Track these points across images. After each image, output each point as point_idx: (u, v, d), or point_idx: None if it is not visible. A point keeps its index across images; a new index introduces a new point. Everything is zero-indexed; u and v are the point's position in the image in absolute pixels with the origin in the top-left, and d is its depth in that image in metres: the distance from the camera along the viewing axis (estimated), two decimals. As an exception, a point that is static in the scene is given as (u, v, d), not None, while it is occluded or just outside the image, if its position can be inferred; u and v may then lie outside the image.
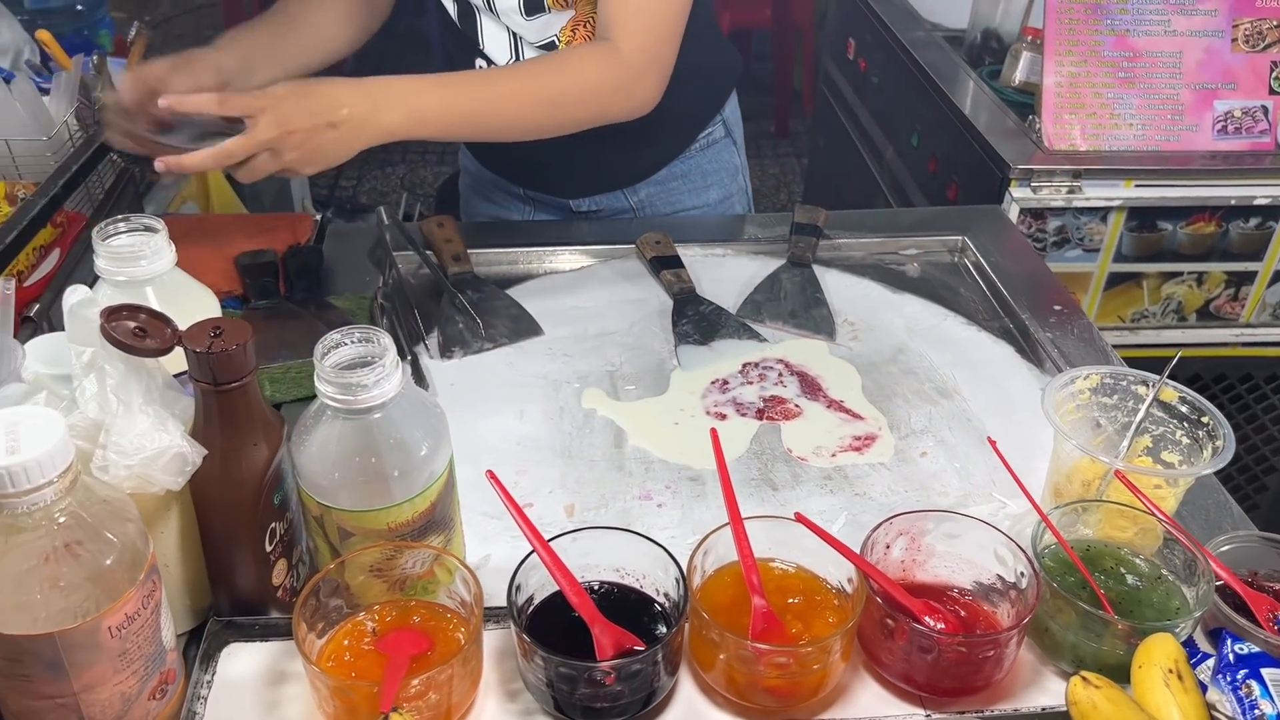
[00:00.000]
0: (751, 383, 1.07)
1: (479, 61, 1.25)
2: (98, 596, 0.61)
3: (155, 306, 0.71)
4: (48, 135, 1.32)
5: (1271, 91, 1.57)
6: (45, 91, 1.42)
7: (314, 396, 0.72)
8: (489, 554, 0.86)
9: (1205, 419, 0.85)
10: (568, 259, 1.29)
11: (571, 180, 1.35)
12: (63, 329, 0.73)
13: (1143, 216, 1.57)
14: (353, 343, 0.71)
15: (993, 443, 0.86)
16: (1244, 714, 0.66)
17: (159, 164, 1.01)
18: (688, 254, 1.26)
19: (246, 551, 0.74)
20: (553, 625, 0.71)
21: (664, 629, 0.73)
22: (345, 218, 3.16)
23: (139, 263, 0.78)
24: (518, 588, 0.71)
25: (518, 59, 1.21)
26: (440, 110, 1.08)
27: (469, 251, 1.23)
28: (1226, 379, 1.74)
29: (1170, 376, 0.87)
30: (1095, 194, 1.54)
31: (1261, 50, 1.57)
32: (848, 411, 1.04)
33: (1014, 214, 1.53)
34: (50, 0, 1.85)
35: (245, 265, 1.16)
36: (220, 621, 0.76)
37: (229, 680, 0.74)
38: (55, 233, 1.25)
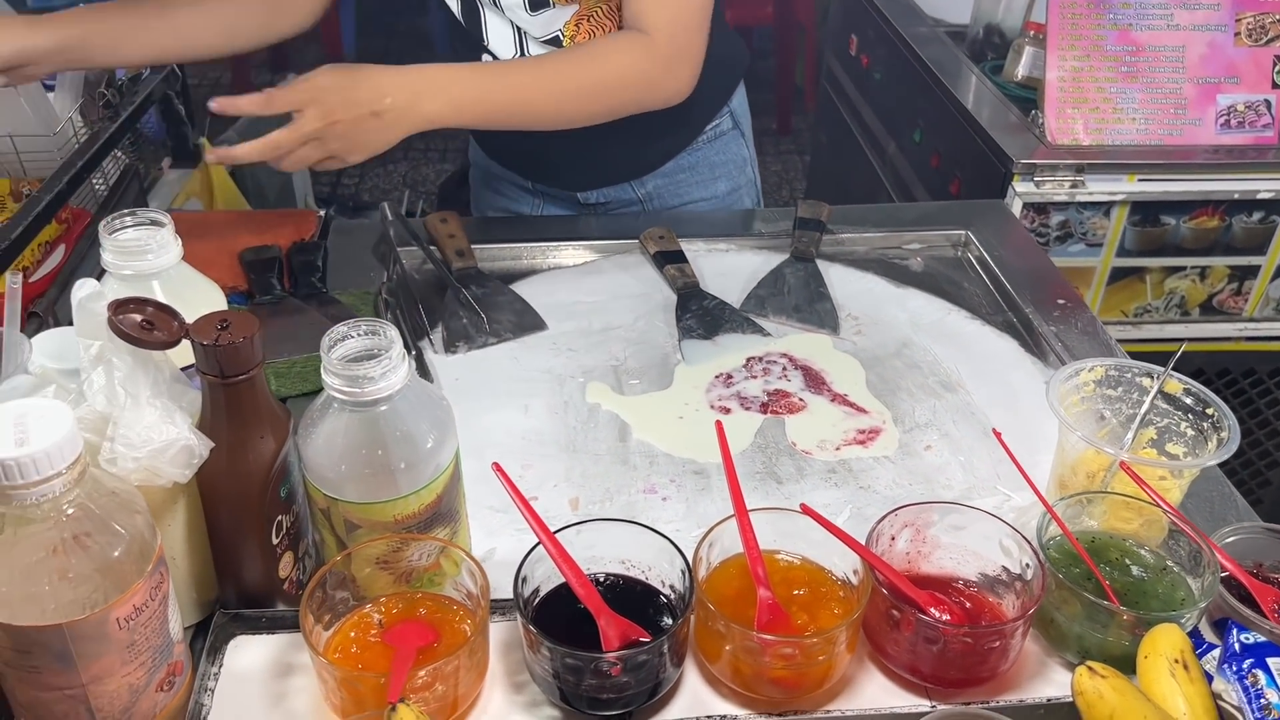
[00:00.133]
0: (755, 377, 1.08)
1: (484, 57, 1.25)
2: (106, 588, 0.62)
3: (162, 300, 0.71)
4: (52, 131, 1.33)
5: (1274, 85, 1.57)
6: (50, 88, 1.42)
7: (318, 392, 0.72)
8: (494, 547, 0.86)
9: (1210, 411, 0.85)
10: (572, 254, 1.29)
11: (578, 173, 1.35)
12: (68, 324, 0.73)
13: (1146, 211, 1.57)
14: (359, 335, 0.71)
15: (998, 434, 0.86)
16: (1250, 703, 0.66)
17: (210, 155, 1.04)
18: (691, 248, 1.26)
19: (253, 544, 0.74)
20: (558, 617, 0.72)
21: (669, 620, 0.73)
22: (347, 215, 3.16)
23: (146, 256, 0.78)
24: (523, 579, 0.72)
25: (522, 54, 1.21)
26: (478, 99, 1.10)
27: (473, 247, 1.23)
28: (1230, 373, 1.74)
29: (1174, 370, 0.87)
30: (1098, 188, 1.54)
31: (1264, 44, 1.57)
32: (852, 405, 1.04)
33: (1017, 208, 1.53)
34: (53, 0, 1.85)
35: (250, 261, 1.16)
36: (227, 614, 0.77)
37: (236, 672, 0.74)
38: (60, 229, 1.25)
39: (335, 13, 4.38)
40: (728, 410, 1.03)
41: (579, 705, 0.71)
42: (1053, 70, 1.56)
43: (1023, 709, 0.73)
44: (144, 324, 0.67)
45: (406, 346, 1.07)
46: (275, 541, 0.75)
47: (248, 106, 1.02)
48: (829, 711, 0.73)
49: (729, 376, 1.08)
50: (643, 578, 0.76)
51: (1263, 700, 0.66)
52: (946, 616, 0.73)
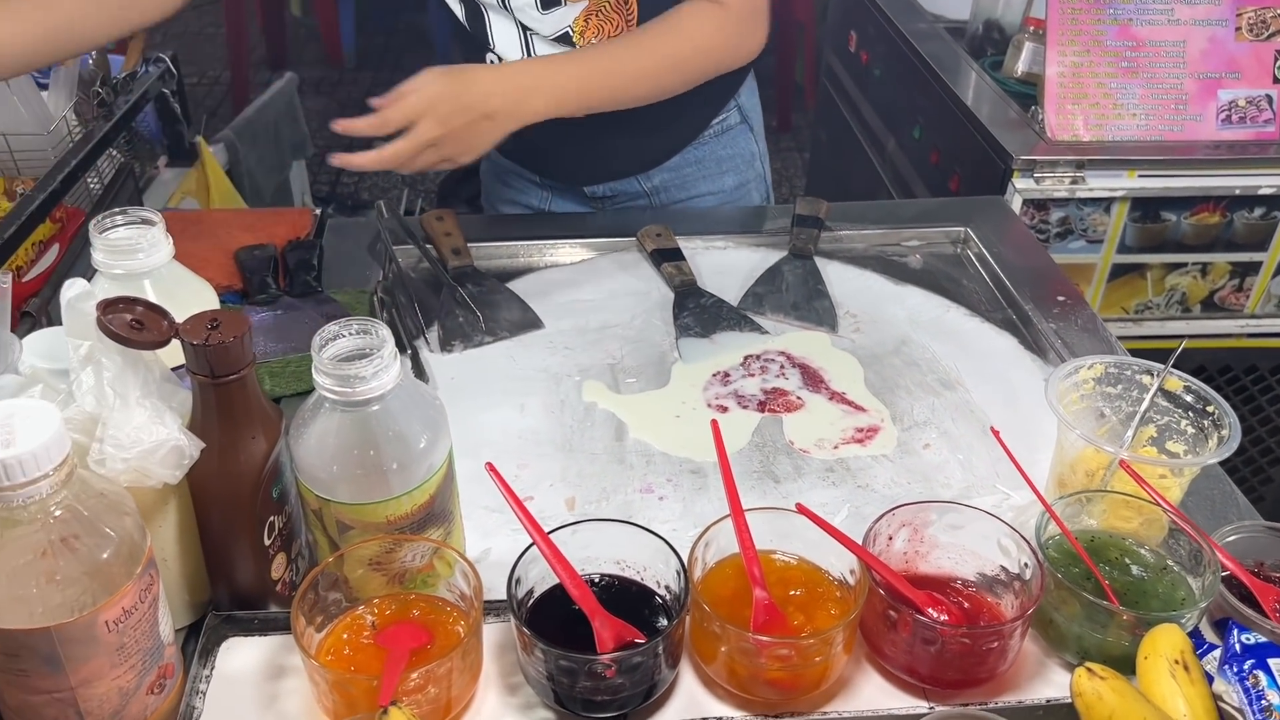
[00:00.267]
0: (753, 375, 1.07)
1: (489, 58, 1.25)
2: (94, 590, 0.61)
3: (153, 299, 0.71)
4: (46, 130, 1.32)
5: (1276, 80, 1.56)
6: (43, 87, 1.41)
7: (313, 391, 0.71)
8: (489, 547, 0.85)
9: (1211, 408, 0.85)
10: (568, 252, 1.28)
11: (585, 167, 1.35)
12: (61, 324, 0.73)
13: (1146, 207, 1.56)
14: (350, 334, 0.71)
15: (996, 433, 0.86)
16: (1251, 704, 0.66)
17: (335, 160, 1.06)
18: (689, 246, 1.26)
19: (245, 545, 0.74)
20: (553, 618, 0.71)
21: (665, 621, 0.72)
22: (346, 214, 3.16)
23: (136, 255, 0.78)
24: (517, 580, 0.71)
25: (529, 55, 1.22)
26: (579, 89, 1.13)
27: (469, 245, 1.23)
28: (1231, 370, 1.73)
29: (1174, 367, 0.87)
30: (1098, 184, 1.53)
31: (1265, 39, 1.56)
32: (850, 403, 1.03)
33: (1017, 205, 1.52)
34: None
35: (244, 260, 1.16)
36: (219, 616, 0.76)
37: (228, 674, 0.73)
38: (54, 228, 1.25)
39: (335, 11, 4.38)
40: (725, 409, 1.02)
41: (573, 708, 0.70)
42: (1053, 66, 1.55)
43: (1021, 710, 0.73)
44: (133, 324, 0.67)
45: (402, 345, 1.07)
46: (267, 543, 0.74)
47: (366, 129, 1.06)
48: (826, 713, 0.72)
49: (726, 375, 1.07)
50: (638, 578, 0.75)
51: (1264, 702, 0.65)
52: (944, 617, 0.73)
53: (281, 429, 0.73)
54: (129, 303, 0.68)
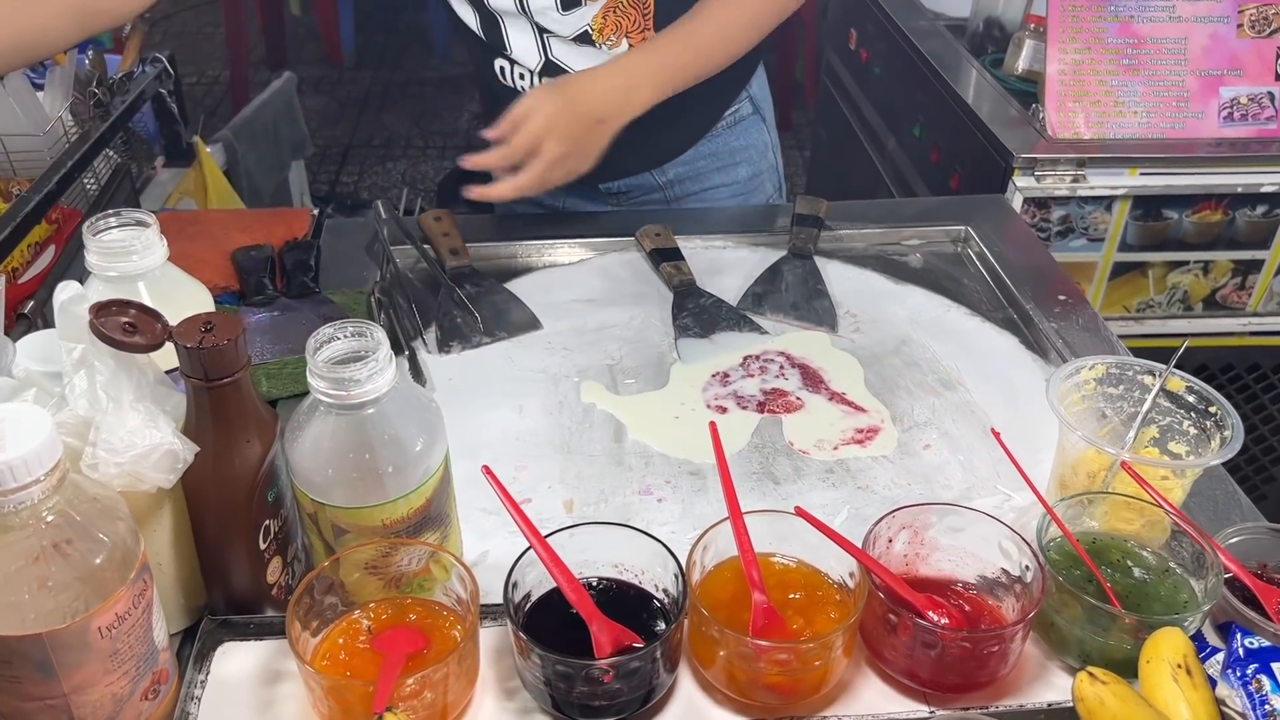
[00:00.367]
0: (752, 375, 1.06)
1: (503, 64, 1.26)
2: (87, 596, 0.61)
3: (147, 302, 0.70)
4: (42, 131, 1.32)
5: (1278, 78, 1.56)
6: (39, 87, 1.41)
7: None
8: (487, 550, 0.85)
9: (1213, 409, 0.84)
10: (567, 252, 1.28)
11: (602, 165, 1.35)
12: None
13: (1148, 205, 1.55)
14: (345, 337, 0.70)
15: (996, 434, 0.85)
16: (1254, 709, 0.65)
17: (472, 193, 1.11)
18: (688, 246, 1.25)
19: (240, 549, 0.73)
20: (550, 622, 0.70)
21: (663, 625, 0.72)
22: (346, 214, 3.15)
23: (130, 258, 0.77)
24: (514, 584, 0.71)
25: (546, 58, 1.23)
26: (675, 72, 1.16)
27: (467, 245, 1.22)
28: (1233, 369, 1.72)
29: (1176, 366, 0.86)
30: (1099, 183, 1.53)
31: (1268, 36, 1.55)
32: (850, 404, 1.03)
33: (1018, 203, 1.51)
34: None
35: (241, 261, 1.15)
36: (214, 620, 0.76)
37: (223, 680, 0.73)
38: (50, 229, 1.24)
39: (334, 10, 4.38)
40: (724, 410, 1.02)
41: (571, 713, 0.70)
42: (1053, 63, 1.54)
43: (1023, 714, 0.72)
44: (126, 327, 0.66)
45: (399, 346, 1.06)
46: (263, 546, 0.74)
47: (497, 162, 1.10)
48: (825, 718, 0.72)
49: (726, 375, 1.06)
50: (636, 582, 0.75)
51: (1267, 707, 0.65)
52: (945, 620, 0.72)
53: (277, 432, 0.73)
54: (122, 306, 0.67)
